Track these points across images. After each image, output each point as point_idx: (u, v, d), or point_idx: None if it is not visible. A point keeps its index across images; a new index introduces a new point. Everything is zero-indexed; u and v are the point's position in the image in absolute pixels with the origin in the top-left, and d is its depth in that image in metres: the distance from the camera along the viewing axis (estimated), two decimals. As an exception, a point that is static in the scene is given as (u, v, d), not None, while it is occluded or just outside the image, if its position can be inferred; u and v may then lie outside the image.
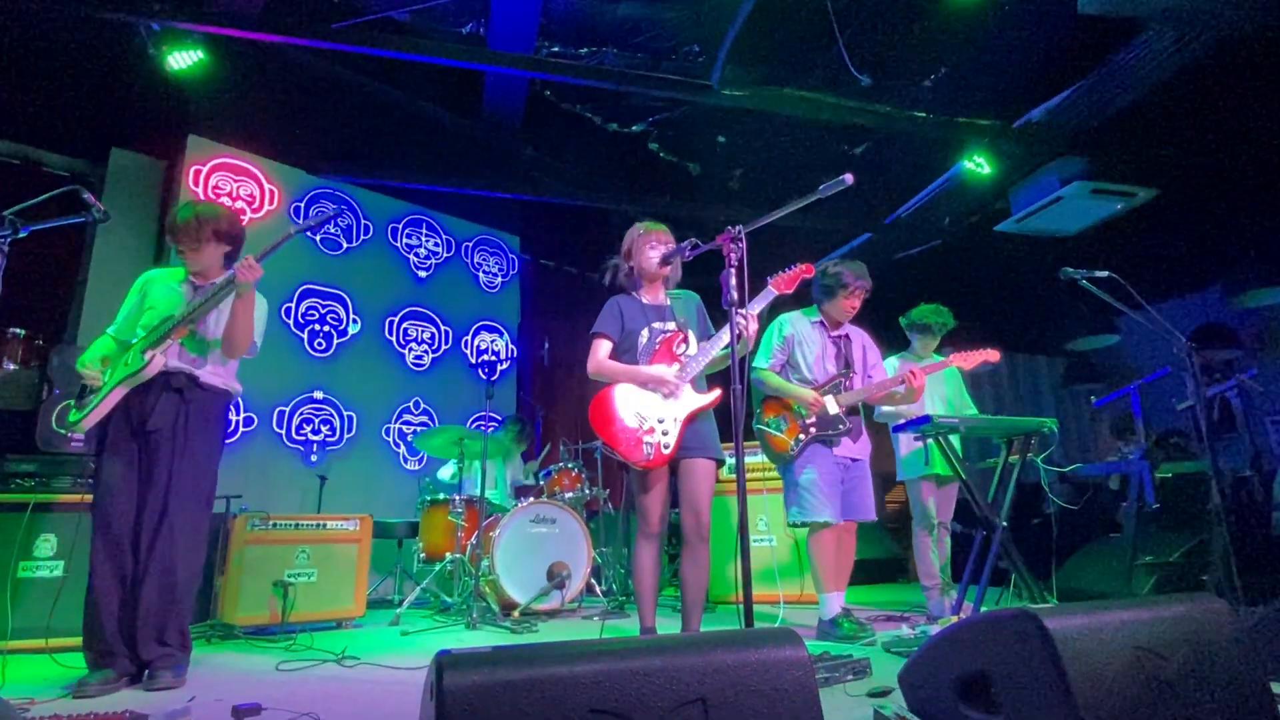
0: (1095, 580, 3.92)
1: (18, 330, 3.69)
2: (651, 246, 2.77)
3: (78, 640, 2.38)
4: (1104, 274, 2.98)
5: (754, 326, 2.60)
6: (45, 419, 3.33)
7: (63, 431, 3.29)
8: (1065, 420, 8.30)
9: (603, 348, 2.73)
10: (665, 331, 2.73)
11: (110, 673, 2.29)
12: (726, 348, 2.59)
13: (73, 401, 2.49)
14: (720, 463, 2.67)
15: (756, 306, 2.66)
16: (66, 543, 3.04)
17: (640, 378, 2.63)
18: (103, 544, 2.35)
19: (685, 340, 2.73)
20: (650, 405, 2.59)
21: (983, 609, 3.10)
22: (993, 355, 3.43)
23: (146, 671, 2.33)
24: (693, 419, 2.61)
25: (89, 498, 2.94)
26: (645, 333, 2.73)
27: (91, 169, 4.93)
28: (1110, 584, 3.77)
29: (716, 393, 2.66)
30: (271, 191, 5.35)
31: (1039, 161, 5.35)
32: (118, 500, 2.37)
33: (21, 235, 2.04)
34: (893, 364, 3.86)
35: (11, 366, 3.59)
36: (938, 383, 3.99)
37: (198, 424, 2.48)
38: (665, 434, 2.56)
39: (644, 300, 2.81)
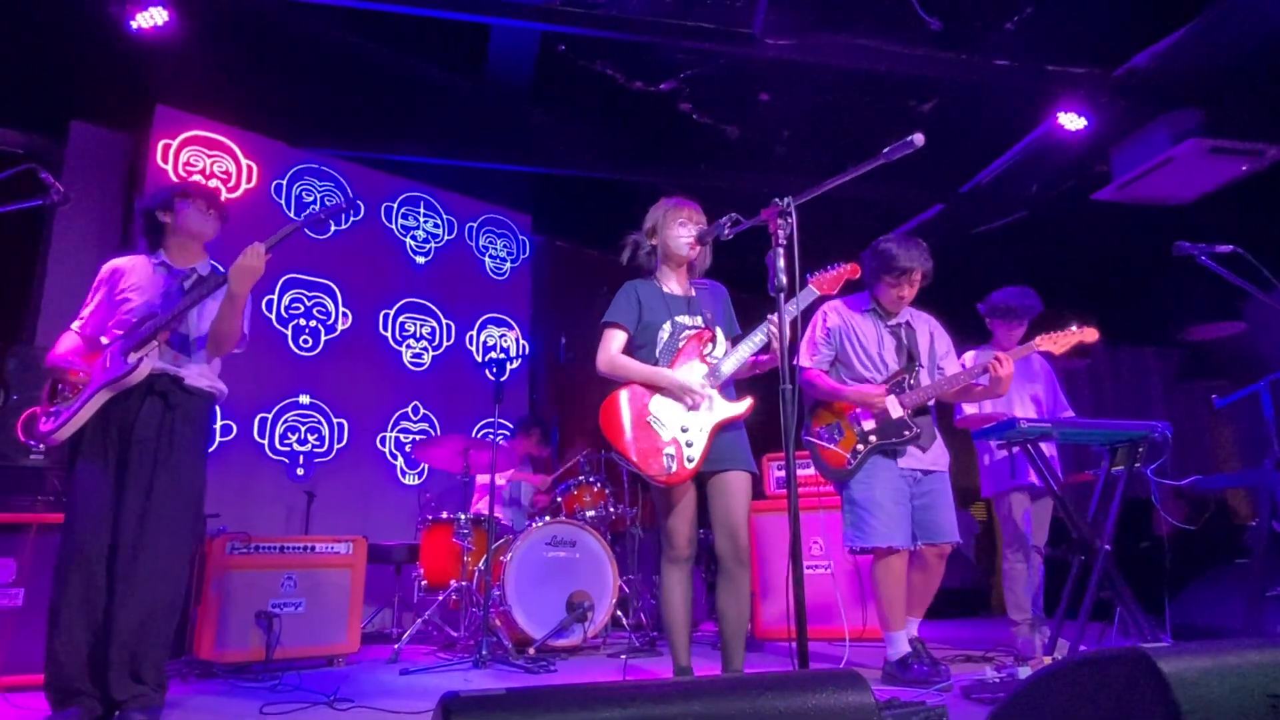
0: (1218, 615, 3.83)
1: (-31, 329, 3.80)
2: (681, 224, 2.74)
3: (39, 677, 2.44)
4: (1227, 249, 2.91)
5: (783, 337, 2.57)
6: (1, 429, 3.42)
7: (32, 442, 3.38)
8: (1179, 424, 8.10)
9: (615, 340, 2.71)
10: (691, 328, 2.71)
11: (75, 715, 2.34)
12: (763, 348, 2.58)
13: (37, 409, 2.57)
14: (754, 476, 2.65)
15: (799, 306, 2.64)
16: (27, 568, 3.12)
17: (661, 380, 2.60)
18: (74, 568, 2.41)
19: (714, 340, 2.70)
20: (671, 410, 2.57)
21: (1082, 648, 3.04)
22: (1089, 334, 3.28)
23: (116, 714, 2.38)
24: (721, 428, 2.59)
25: (52, 517, 3.02)
26: (667, 327, 2.69)
27: (49, 145, 5.05)
28: (1237, 619, 3.68)
29: (748, 401, 2.64)
30: (249, 168, 5.45)
31: (1145, 116, 5.22)
32: (94, 518, 2.44)
33: (-27, 222, 2.11)
34: (971, 359, 3.80)
35: (-39, 370, 3.69)
36: (1028, 380, 3.92)
37: (184, 432, 2.56)
38: (689, 444, 2.53)
39: (667, 288, 2.78)
